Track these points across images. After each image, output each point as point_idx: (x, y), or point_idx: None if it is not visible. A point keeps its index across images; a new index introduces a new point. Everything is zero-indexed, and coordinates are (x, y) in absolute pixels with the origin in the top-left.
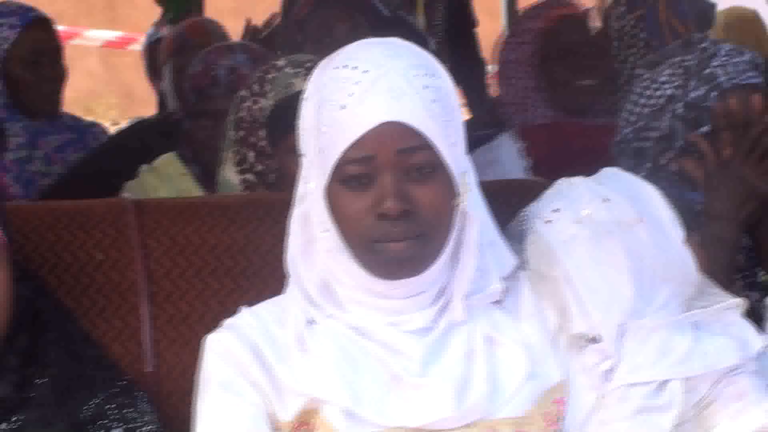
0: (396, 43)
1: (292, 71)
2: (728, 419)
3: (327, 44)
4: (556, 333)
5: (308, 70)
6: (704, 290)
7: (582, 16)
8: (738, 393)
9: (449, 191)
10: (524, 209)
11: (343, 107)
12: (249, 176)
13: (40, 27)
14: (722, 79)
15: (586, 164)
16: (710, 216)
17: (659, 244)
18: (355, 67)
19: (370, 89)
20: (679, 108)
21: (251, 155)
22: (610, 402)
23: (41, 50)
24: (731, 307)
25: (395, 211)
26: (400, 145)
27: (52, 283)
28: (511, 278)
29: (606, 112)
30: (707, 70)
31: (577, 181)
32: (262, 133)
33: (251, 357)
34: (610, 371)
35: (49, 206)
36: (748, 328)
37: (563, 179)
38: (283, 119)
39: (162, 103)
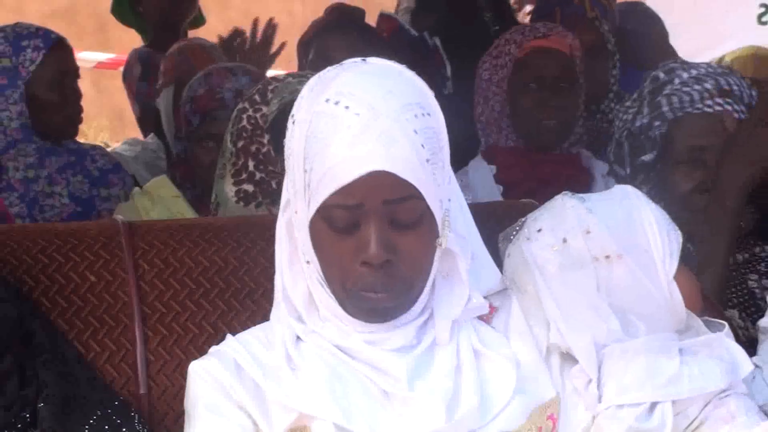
0: (390, 73)
1: (295, 80)
2: None
3: (323, 67)
4: (548, 351)
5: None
6: (691, 325)
7: (560, 51)
8: (727, 415)
9: (432, 235)
10: (519, 221)
11: (332, 150)
12: (246, 186)
13: (62, 49)
14: (665, 109)
15: (559, 189)
16: (716, 186)
17: (638, 281)
18: (347, 107)
19: (361, 135)
20: (625, 134)
21: (251, 164)
22: (601, 423)
23: (65, 71)
24: (719, 337)
25: (378, 259)
26: (387, 195)
27: (45, 304)
28: (501, 297)
29: (576, 143)
30: (657, 99)
31: (570, 203)
32: (265, 139)
33: (235, 379)
34: (600, 392)
35: (41, 228)
36: (737, 351)
37: (562, 196)
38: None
39: (158, 126)
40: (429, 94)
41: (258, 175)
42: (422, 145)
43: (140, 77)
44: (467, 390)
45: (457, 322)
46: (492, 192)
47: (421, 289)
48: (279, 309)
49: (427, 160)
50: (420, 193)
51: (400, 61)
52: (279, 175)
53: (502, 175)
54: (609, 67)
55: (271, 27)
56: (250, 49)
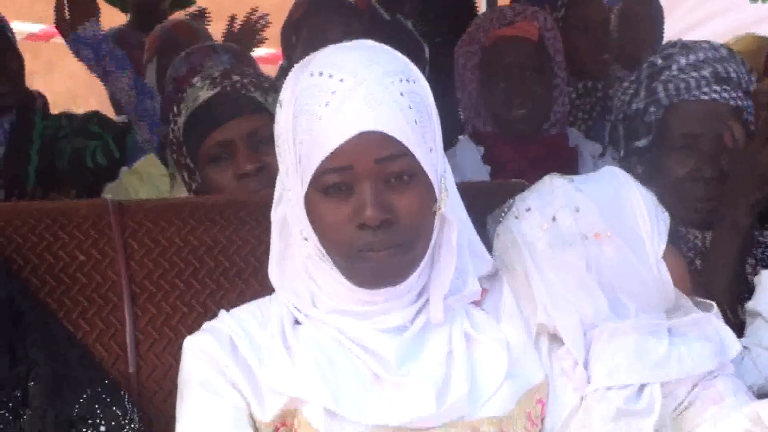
0: (372, 47)
1: (200, 84)
2: (707, 423)
3: (319, 47)
4: (537, 333)
5: (215, 82)
6: (681, 304)
7: (525, 39)
8: (716, 396)
9: (428, 197)
10: (508, 201)
11: (319, 117)
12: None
13: None
14: (661, 95)
15: (546, 170)
16: (726, 203)
17: (626, 260)
18: (331, 75)
19: (346, 98)
20: (620, 117)
21: (185, 175)
22: (590, 405)
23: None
24: (708, 317)
25: (375, 220)
26: (378, 154)
27: (34, 284)
28: (491, 279)
29: (557, 124)
30: (653, 84)
31: (558, 182)
32: (184, 151)
33: (230, 358)
34: (588, 373)
35: (30, 207)
36: (726, 333)
37: (550, 176)
38: (193, 133)
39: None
40: (413, 66)
41: (193, 185)
42: (409, 107)
43: None
44: (458, 376)
45: (451, 307)
46: (480, 172)
47: (421, 253)
48: (277, 293)
49: (416, 122)
50: (410, 151)
51: (378, 41)
52: (202, 183)
53: (489, 156)
54: (607, 42)
55: (262, 18)
56: (237, 32)
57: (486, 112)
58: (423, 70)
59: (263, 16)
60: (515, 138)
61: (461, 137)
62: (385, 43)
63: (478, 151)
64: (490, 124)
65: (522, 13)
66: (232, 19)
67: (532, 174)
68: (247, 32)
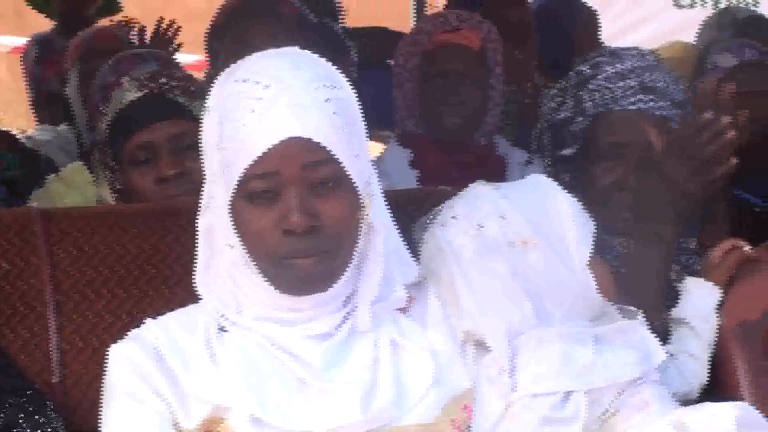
0: (298, 54)
1: (128, 86)
2: (633, 430)
3: (243, 55)
4: (464, 340)
5: (142, 84)
6: (606, 312)
7: (466, 47)
8: (641, 404)
9: (354, 203)
10: (434, 209)
11: (245, 124)
12: (117, 195)
13: None
14: (588, 105)
15: (473, 177)
16: (648, 213)
17: (552, 267)
18: (257, 82)
19: (271, 105)
20: (547, 125)
21: (109, 175)
22: (515, 412)
23: None
24: (633, 324)
25: (301, 227)
26: (303, 160)
27: None
28: (418, 287)
29: (488, 133)
30: (580, 93)
31: (484, 190)
32: (108, 151)
33: (154, 366)
34: (514, 381)
35: None
36: (650, 341)
37: (476, 184)
38: (117, 134)
39: (66, 111)
40: (338, 73)
41: (117, 185)
42: (335, 113)
43: (36, 60)
44: (384, 382)
45: (377, 315)
46: (407, 177)
47: (347, 260)
48: (203, 301)
49: (341, 128)
50: (336, 157)
51: (304, 46)
52: (125, 184)
53: (417, 161)
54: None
55: (171, 26)
56: (150, 42)
57: (419, 115)
58: (350, 74)
59: (171, 23)
60: (445, 144)
61: (390, 140)
62: (311, 47)
63: (406, 155)
64: (422, 127)
65: (467, 21)
66: (158, 24)
67: (459, 181)
68: (160, 42)
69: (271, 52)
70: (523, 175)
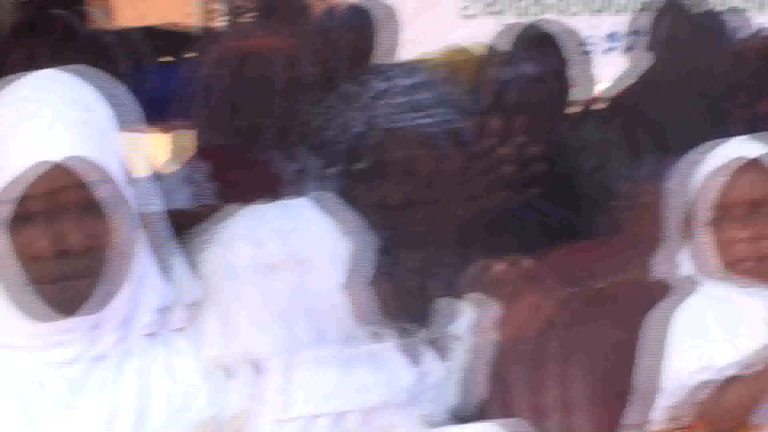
0: (53, 76)
1: None
2: None
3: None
4: (236, 362)
5: None
6: (358, 335)
7: (276, 59)
8: (387, 426)
9: (108, 226)
10: (211, 228)
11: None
12: None
13: None
14: (356, 123)
15: (249, 194)
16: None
17: (305, 289)
18: (9, 105)
19: (23, 128)
20: (318, 142)
21: None
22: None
23: None
24: (384, 347)
25: (48, 252)
26: (54, 184)
27: None
28: (195, 307)
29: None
30: (349, 112)
31: (246, 215)
32: None
33: None
34: (268, 403)
35: None
36: (399, 364)
37: (245, 205)
38: None
39: None
40: (96, 94)
41: None
42: (89, 137)
43: None
44: (128, 407)
45: (127, 338)
46: (203, 192)
47: (96, 282)
48: None
49: (96, 151)
50: (93, 180)
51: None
52: None
53: (218, 174)
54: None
55: None
56: None
57: (221, 124)
58: (120, 83)
59: None
60: (250, 156)
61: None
62: (77, 59)
63: (204, 169)
64: (222, 137)
65: (275, 30)
66: None
67: (239, 196)
68: None
69: (26, 76)
70: (295, 191)
